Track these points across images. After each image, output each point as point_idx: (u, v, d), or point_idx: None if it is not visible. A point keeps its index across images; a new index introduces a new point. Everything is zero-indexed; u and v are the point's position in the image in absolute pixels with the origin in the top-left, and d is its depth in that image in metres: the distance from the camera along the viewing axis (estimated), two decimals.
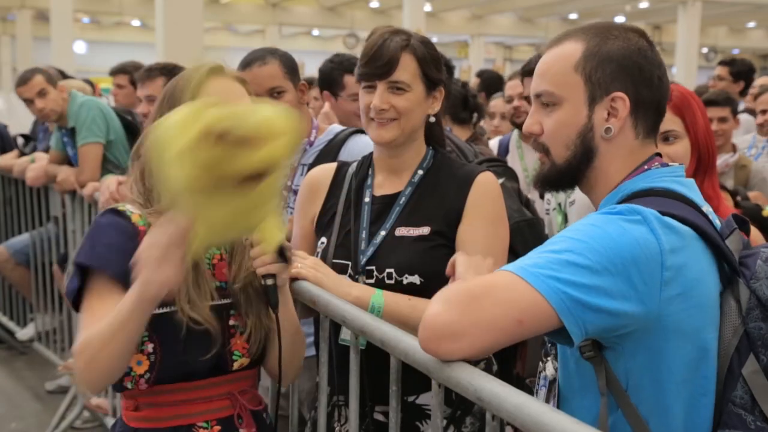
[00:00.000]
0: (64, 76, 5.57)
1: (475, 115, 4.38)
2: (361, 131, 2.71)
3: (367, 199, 2.05)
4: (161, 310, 1.67)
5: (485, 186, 1.99)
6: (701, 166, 2.11)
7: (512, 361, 2.75)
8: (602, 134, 1.45)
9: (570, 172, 1.49)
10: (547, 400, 1.49)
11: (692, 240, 1.36)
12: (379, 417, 1.97)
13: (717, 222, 1.46)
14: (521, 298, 1.26)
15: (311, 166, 2.58)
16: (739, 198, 2.94)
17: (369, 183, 2.08)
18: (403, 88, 1.97)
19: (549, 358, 1.52)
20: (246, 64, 2.68)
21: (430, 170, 2.05)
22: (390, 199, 2.03)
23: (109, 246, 1.69)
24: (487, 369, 2.03)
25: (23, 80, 4.48)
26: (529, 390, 1.65)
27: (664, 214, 1.34)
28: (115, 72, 5.42)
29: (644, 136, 1.48)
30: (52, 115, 4.47)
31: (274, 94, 2.65)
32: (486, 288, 1.29)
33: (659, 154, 1.51)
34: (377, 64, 1.96)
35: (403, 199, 2.02)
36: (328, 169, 2.18)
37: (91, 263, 1.68)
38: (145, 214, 1.74)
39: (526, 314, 1.26)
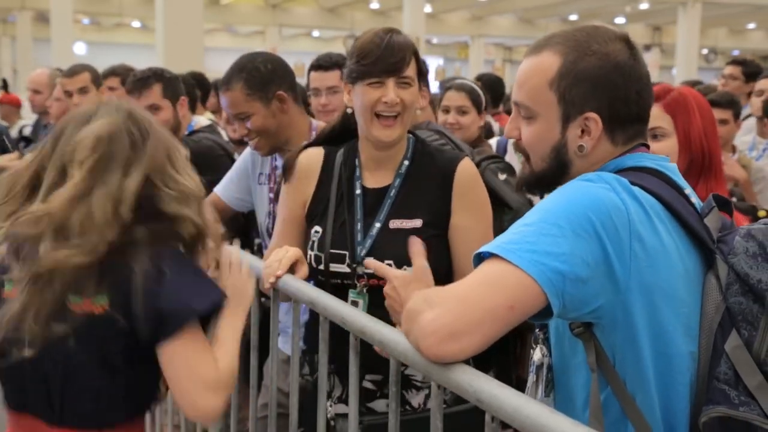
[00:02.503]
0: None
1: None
2: None
3: (358, 191, 2.10)
4: None
5: (467, 174, 2.09)
6: (693, 169, 2.06)
7: (510, 361, 2.76)
8: (576, 151, 1.46)
9: (547, 179, 1.52)
10: (535, 386, 1.51)
11: (661, 213, 1.37)
12: (368, 385, 2.00)
13: (699, 203, 1.48)
14: (506, 280, 1.27)
15: None
16: (734, 199, 2.94)
17: (358, 174, 2.13)
18: (409, 83, 2.05)
19: (537, 345, 1.53)
20: (221, 84, 2.67)
21: (413, 160, 2.11)
22: (381, 192, 2.09)
23: None
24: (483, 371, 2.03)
25: (71, 72, 4.62)
26: None
27: (634, 184, 1.36)
28: (106, 75, 5.38)
29: (625, 142, 1.48)
30: None
31: (241, 119, 2.61)
32: (472, 283, 1.31)
33: (647, 146, 1.51)
34: (390, 61, 2.01)
35: (393, 191, 2.08)
36: (317, 154, 2.19)
37: None
38: None
39: (516, 298, 1.27)
